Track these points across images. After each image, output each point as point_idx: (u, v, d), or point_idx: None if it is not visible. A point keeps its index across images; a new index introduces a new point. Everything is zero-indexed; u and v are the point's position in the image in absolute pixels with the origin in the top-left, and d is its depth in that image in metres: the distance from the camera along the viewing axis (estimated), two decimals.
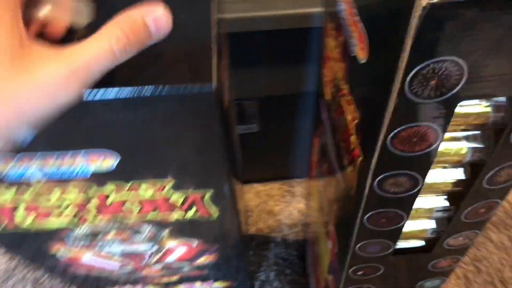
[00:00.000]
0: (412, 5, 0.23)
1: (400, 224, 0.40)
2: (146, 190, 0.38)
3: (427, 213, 0.42)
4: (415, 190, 0.36)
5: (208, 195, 0.41)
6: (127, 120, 0.32)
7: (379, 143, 0.31)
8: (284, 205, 0.94)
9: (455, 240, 0.44)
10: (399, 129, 0.30)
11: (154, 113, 0.32)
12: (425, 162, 0.33)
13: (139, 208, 0.40)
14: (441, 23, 0.23)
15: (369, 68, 0.31)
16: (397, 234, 0.42)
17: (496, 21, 0.23)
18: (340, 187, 0.45)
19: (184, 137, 0.35)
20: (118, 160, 0.34)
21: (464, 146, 0.35)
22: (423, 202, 0.41)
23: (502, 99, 0.31)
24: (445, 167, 0.37)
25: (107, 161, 0.33)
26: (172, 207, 0.42)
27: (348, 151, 0.40)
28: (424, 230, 0.44)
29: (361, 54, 0.32)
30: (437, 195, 0.41)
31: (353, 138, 0.38)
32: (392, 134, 0.30)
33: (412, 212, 0.41)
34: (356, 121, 0.36)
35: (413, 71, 0.26)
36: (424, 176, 0.34)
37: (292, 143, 0.86)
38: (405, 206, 0.38)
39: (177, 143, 0.35)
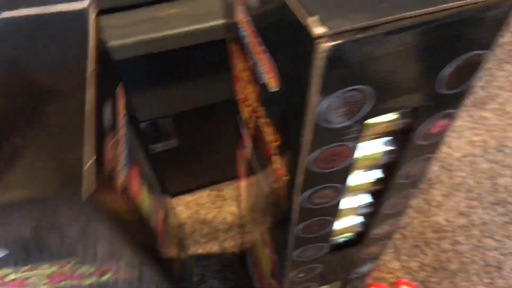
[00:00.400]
0: (313, 46, 0.24)
1: (330, 227, 0.42)
2: (48, 268, 0.36)
3: (354, 211, 0.44)
4: (339, 197, 0.38)
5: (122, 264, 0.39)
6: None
7: (301, 165, 0.33)
8: (216, 211, 0.95)
9: (380, 229, 0.47)
10: (318, 152, 0.31)
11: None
12: (344, 173, 0.35)
13: (46, 280, 0.38)
14: (343, 59, 0.24)
15: (282, 96, 0.32)
16: (328, 236, 0.44)
17: (389, 47, 0.25)
18: (269, 200, 0.46)
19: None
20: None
21: (378, 151, 0.37)
22: (348, 202, 0.43)
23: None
24: (364, 170, 0.40)
25: None
26: (83, 276, 0.39)
27: (273, 169, 0.41)
28: (353, 226, 0.47)
29: (271, 82, 0.33)
30: (359, 194, 0.43)
31: (275, 158, 0.39)
32: (312, 156, 0.32)
33: (340, 212, 0.44)
34: (277, 143, 0.37)
35: (324, 103, 0.27)
36: (345, 184, 0.36)
37: (214, 149, 0.86)
38: (332, 212, 0.40)
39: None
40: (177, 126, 0.72)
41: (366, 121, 0.30)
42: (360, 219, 0.46)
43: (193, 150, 0.82)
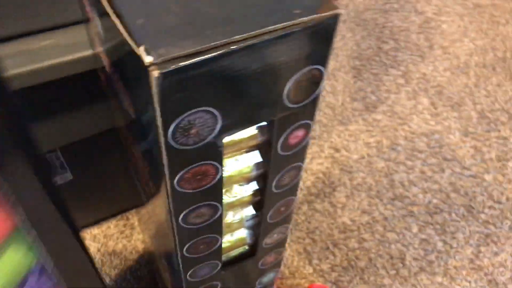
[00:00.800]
0: (147, 75, 0.25)
1: (218, 244, 0.43)
2: None
3: (240, 225, 0.45)
4: (218, 214, 0.39)
5: None
6: None
7: (169, 187, 0.33)
8: (126, 241, 0.92)
9: (271, 238, 0.49)
10: (181, 173, 0.32)
11: None
12: (216, 190, 0.36)
13: None
14: (178, 84, 0.26)
15: (139, 123, 0.33)
16: (219, 252, 0.45)
17: (221, 70, 0.27)
18: (156, 224, 0.47)
19: None
20: None
21: (247, 165, 0.39)
22: (232, 217, 0.45)
23: (264, 123, 0.36)
24: (240, 184, 0.41)
25: None
26: None
27: (151, 194, 0.41)
28: (242, 239, 0.48)
29: (129, 109, 0.34)
30: (242, 208, 0.45)
31: (150, 183, 0.39)
32: (176, 178, 0.32)
33: (226, 228, 0.45)
34: (146, 169, 0.38)
35: (171, 127, 0.28)
36: (220, 201, 0.37)
37: (113, 178, 0.84)
38: (215, 229, 0.41)
39: None
40: (68, 159, 0.70)
41: (224, 139, 0.32)
42: (248, 232, 0.47)
43: (91, 181, 0.79)
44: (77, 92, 0.60)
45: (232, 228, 0.45)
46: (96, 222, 0.93)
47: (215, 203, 0.37)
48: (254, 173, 0.39)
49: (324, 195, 1.03)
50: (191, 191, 0.34)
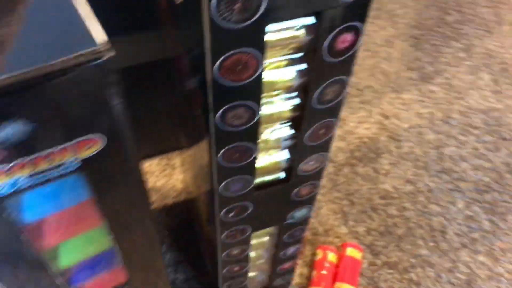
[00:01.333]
0: None
1: (253, 157, 0.43)
2: None
3: (276, 144, 0.45)
4: (255, 119, 0.38)
5: None
6: None
7: (209, 76, 0.33)
8: (166, 179, 0.95)
9: (307, 165, 0.48)
10: (222, 58, 0.32)
11: None
12: (255, 89, 0.36)
13: None
14: None
15: (185, 6, 0.33)
16: (252, 167, 0.44)
17: None
18: (198, 154, 0.47)
19: None
20: None
21: (290, 71, 0.38)
22: (268, 133, 0.44)
23: (312, 20, 0.35)
24: (279, 96, 0.41)
25: None
26: None
27: (197, 93, 0.41)
28: (278, 162, 0.47)
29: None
30: (281, 125, 0.44)
31: (190, 81, 0.39)
32: (217, 64, 0.32)
33: (262, 145, 0.44)
34: (188, 60, 0.38)
35: None
36: (258, 103, 0.37)
37: (160, 116, 0.86)
38: (251, 137, 0.40)
39: None
40: (124, 82, 0.71)
41: (265, 31, 0.31)
42: (285, 154, 0.47)
43: (138, 114, 0.81)
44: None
45: (268, 145, 0.45)
46: (141, 158, 0.96)
47: (253, 104, 0.37)
48: (296, 82, 0.38)
49: (367, 160, 1.01)
50: (230, 83, 0.34)
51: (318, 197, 0.94)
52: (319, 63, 0.36)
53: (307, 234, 0.89)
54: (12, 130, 0.24)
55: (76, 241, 0.37)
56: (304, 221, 0.60)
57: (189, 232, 0.88)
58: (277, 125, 0.44)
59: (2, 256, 0.32)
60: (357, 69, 1.18)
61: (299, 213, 0.57)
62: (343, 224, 0.91)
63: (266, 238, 0.64)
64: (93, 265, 0.40)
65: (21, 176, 0.26)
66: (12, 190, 0.27)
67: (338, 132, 1.05)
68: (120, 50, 0.66)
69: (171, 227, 0.88)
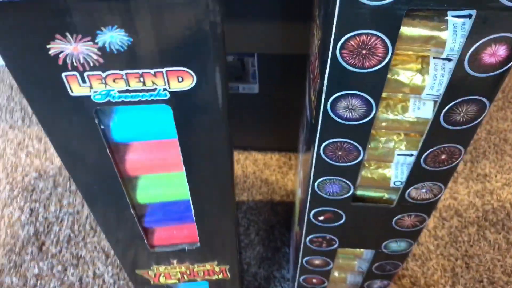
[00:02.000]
0: None
1: (357, 160, 0.40)
2: None
3: (388, 157, 0.41)
4: (369, 116, 0.35)
5: None
6: None
7: (330, 54, 0.31)
8: (280, 176, 0.94)
9: (417, 191, 0.43)
10: (346, 36, 0.30)
11: None
12: (377, 81, 0.33)
13: None
14: None
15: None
16: (355, 173, 0.41)
17: None
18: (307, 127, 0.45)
19: None
20: None
21: (421, 77, 0.34)
22: (382, 142, 0.40)
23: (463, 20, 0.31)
24: (404, 101, 0.37)
25: None
26: None
27: (314, 80, 0.40)
28: (386, 178, 0.43)
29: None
30: (398, 138, 0.40)
31: (316, 63, 0.38)
32: (340, 42, 0.30)
33: (372, 151, 0.41)
34: (318, 42, 0.36)
35: None
36: (377, 98, 0.34)
37: (294, 111, 0.85)
38: (360, 137, 0.37)
39: None
40: (260, 69, 0.73)
41: (401, 15, 0.28)
42: (395, 171, 0.43)
43: (273, 104, 0.82)
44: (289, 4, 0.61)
45: (379, 156, 0.41)
46: (261, 149, 0.97)
47: (371, 98, 0.34)
48: (426, 91, 0.34)
49: (502, 227, 0.88)
50: (350, 67, 0.32)
51: (431, 247, 0.84)
52: (459, 73, 0.32)
53: (405, 280, 0.80)
54: (111, 37, 0.25)
55: (156, 179, 0.38)
56: (401, 257, 0.54)
57: (284, 233, 0.86)
58: (394, 137, 0.40)
59: (91, 171, 0.35)
60: None
61: (397, 246, 0.51)
62: (450, 285, 0.80)
63: (354, 263, 0.59)
64: (167, 212, 0.41)
65: (115, 88, 0.28)
66: (106, 99, 0.29)
67: (476, 187, 0.94)
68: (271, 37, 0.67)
69: (269, 222, 0.87)
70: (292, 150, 0.97)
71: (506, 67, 0.31)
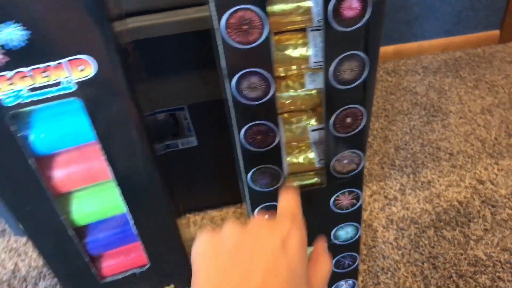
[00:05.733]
0: None
1: (276, 141, 0.43)
2: None
3: (304, 134, 0.45)
4: (270, 93, 0.40)
5: None
6: None
7: (218, 35, 0.36)
8: None
9: (340, 164, 0.46)
10: (228, 13, 0.35)
11: None
12: (265, 55, 0.37)
13: None
14: None
15: None
16: (278, 155, 0.44)
17: None
18: None
19: None
20: None
21: (307, 46, 0.39)
22: (294, 123, 0.44)
23: None
24: (297, 72, 0.42)
25: None
26: None
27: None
28: (310, 160, 0.47)
29: None
30: (308, 115, 0.44)
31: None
32: (223, 20, 0.35)
33: (289, 133, 0.45)
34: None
35: None
36: (271, 72, 0.38)
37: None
38: (269, 115, 0.41)
39: None
40: (193, 120, 0.77)
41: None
42: (315, 151, 0.46)
43: (215, 152, 0.85)
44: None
45: (296, 136, 0.45)
46: (216, 206, 0.99)
47: (266, 72, 0.38)
48: (311, 57, 0.40)
49: (456, 223, 0.91)
50: (239, 45, 0.36)
51: (396, 257, 0.86)
52: (330, 33, 0.37)
53: None
54: (9, 34, 0.29)
55: (88, 195, 0.39)
56: (353, 246, 0.55)
57: None
58: (304, 116, 0.44)
59: (18, 189, 0.36)
60: (450, 134, 1.12)
61: (344, 233, 0.53)
62: (423, 287, 0.81)
63: None
64: (108, 232, 0.42)
65: (23, 87, 0.31)
66: (16, 102, 0.31)
67: (423, 194, 0.98)
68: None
69: None
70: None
71: (365, 18, 0.37)
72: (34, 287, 0.89)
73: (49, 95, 0.32)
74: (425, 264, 0.84)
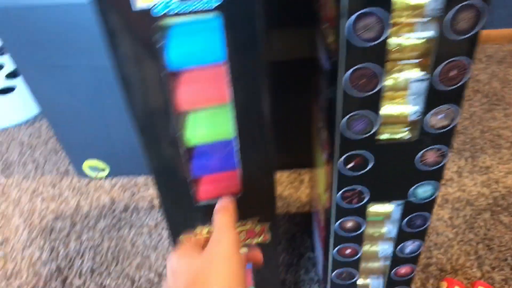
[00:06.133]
0: None
1: (378, 87, 0.44)
2: None
3: (404, 85, 0.46)
4: (384, 36, 0.40)
5: None
6: None
7: None
8: (293, 190, 0.97)
9: (435, 118, 0.47)
10: None
11: None
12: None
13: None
14: None
15: None
16: (378, 100, 0.45)
17: None
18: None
19: None
20: None
21: None
22: (397, 75, 0.45)
23: None
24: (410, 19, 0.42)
25: None
26: None
27: (329, 20, 0.45)
28: (405, 112, 0.48)
29: None
30: (412, 66, 0.45)
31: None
32: None
33: (390, 81, 0.46)
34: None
35: None
36: (387, 17, 0.39)
37: (297, 131, 0.89)
38: (379, 59, 0.42)
39: None
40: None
41: None
42: (413, 103, 0.47)
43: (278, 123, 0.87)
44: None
45: (395, 85, 0.46)
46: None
47: (381, 14, 0.39)
48: (429, 6, 0.40)
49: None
50: None
51: (450, 235, 0.86)
52: None
53: (432, 267, 0.81)
54: None
55: (203, 115, 0.41)
56: (428, 206, 0.56)
57: (306, 240, 0.87)
58: (407, 66, 0.45)
59: (148, 99, 0.38)
60: (511, 123, 1.10)
61: (423, 190, 0.54)
62: (476, 267, 0.81)
63: (384, 228, 0.61)
64: (212, 156, 0.44)
65: None
66: (164, 12, 0.33)
67: (481, 178, 0.97)
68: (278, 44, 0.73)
69: (290, 232, 0.88)
70: (302, 167, 1.01)
71: None
72: (95, 224, 0.93)
73: (195, 8, 0.33)
74: (480, 245, 0.84)
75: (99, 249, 0.88)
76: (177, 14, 0.34)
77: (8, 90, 1.15)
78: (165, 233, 0.90)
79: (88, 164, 1.00)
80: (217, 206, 0.41)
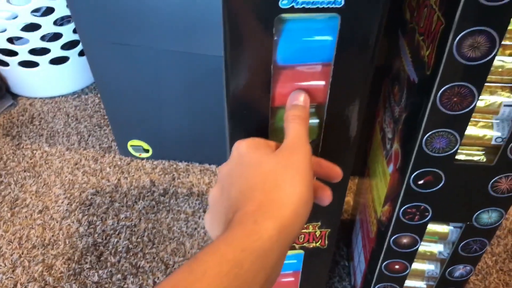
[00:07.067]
0: None
1: (471, 106, 0.43)
2: None
3: (495, 108, 0.45)
4: (491, 55, 0.40)
5: None
6: None
7: None
8: None
9: None
10: None
11: None
12: (499, 14, 0.37)
13: None
14: None
15: None
16: (465, 123, 0.44)
17: None
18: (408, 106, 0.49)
19: None
20: None
21: None
22: (491, 94, 0.44)
23: None
24: None
25: None
26: None
27: (430, 34, 0.45)
28: (488, 135, 0.47)
29: None
30: (505, 91, 0.44)
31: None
32: None
33: (482, 105, 0.45)
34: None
35: None
36: (502, 35, 0.38)
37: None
38: (478, 78, 0.41)
39: None
40: None
41: None
42: (498, 128, 0.46)
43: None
44: None
45: (485, 108, 0.45)
46: None
47: (495, 33, 0.38)
48: None
49: None
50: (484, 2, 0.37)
51: (489, 262, 0.85)
52: None
53: None
54: None
55: None
56: (489, 232, 0.55)
57: (342, 248, 0.87)
58: (500, 90, 0.44)
59: (249, 89, 0.38)
60: None
61: (487, 216, 0.53)
62: None
63: (436, 248, 0.60)
64: None
65: None
66: (290, 5, 0.33)
67: None
68: None
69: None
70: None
71: None
72: (134, 203, 0.94)
73: (320, 6, 0.33)
74: None
75: (135, 230, 0.89)
76: (303, 9, 0.33)
77: (62, 61, 1.16)
78: (202, 222, 0.90)
79: (132, 143, 1.00)
80: (291, 111, 0.37)
